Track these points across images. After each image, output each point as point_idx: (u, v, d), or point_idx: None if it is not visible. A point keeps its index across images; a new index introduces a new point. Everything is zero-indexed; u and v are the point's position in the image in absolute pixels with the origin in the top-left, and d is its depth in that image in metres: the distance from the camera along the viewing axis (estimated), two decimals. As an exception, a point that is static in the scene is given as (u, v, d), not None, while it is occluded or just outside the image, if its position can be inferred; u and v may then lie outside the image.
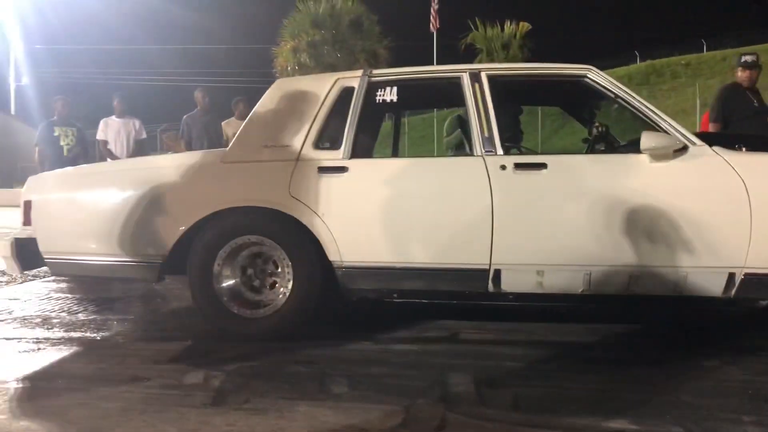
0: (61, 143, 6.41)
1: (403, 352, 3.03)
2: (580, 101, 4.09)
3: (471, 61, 19.38)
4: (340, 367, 2.80)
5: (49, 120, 6.71)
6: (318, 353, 3.02)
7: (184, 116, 7.15)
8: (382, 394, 2.44)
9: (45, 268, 3.60)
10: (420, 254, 3.13)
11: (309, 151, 3.26)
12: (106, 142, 6.91)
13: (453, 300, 3.27)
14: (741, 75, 5.14)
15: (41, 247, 3.44)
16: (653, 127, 3.08)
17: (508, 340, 3.27)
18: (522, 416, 2.24)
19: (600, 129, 3.68)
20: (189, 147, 6.82)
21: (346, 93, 3.35)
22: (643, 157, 3.01)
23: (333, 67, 18.13)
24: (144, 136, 7.21)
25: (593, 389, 2.50)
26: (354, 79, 3.38)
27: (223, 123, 7.08)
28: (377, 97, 3.42)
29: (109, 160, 6.58)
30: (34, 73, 29.79)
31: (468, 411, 2.27)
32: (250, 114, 3.49)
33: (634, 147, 3.14)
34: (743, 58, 5.16)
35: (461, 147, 4.39)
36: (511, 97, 4.00)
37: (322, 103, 3.34)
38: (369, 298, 3.38)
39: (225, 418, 2.22)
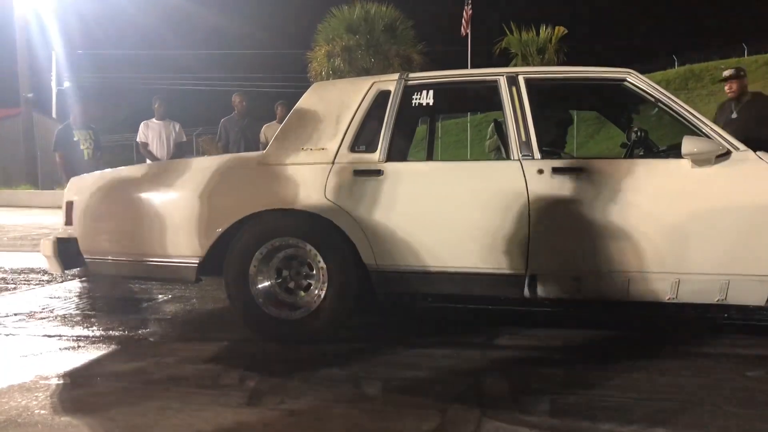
0: (81, 147, 6.43)
1: (438, 357, 3.02)
2: (619, 105, 4.04)
3: (506, 66, 19.30)
4: (375, 370, 2.80)
5: (66, 123, 6.66)
6: (353, 356, 3.03)
7: (222, 120, 7.25)
8: (418, 398, 2.44)
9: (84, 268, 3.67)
10: (455, 258, 3.12)
11: (345, 154, 3.27)
12: (146, 144, 7.03)
13: (488, 305, 3.24)
14: (725, 88, 5.63)
15: (82, 247, 3.51)
16: (694, 131, 3.02)
17: (545, 346, 3.24)
18: (559, 422, 2.21)
19: (639, 133, 3.63)
20: (226, 150, 6.91)
21: (383, 96, 3.36)
22: (684, 162, 2.96)
23: (367, 72, 18.23)
24: (184, 138, 7.32)
25: (632, 397, 2.46)
26: (390, 82, 3.39)
27: (264, 126, 7.16)
28: (413, 101, 3.42)
29: (149, 161, 6.69)
30: (75, 78, 30.51)
31: (504, 416, 2.25)
32: (287, 117, 3.52)
33: (674, 152, 3.09)
34: (723, 73, 5.65)
35: (500, 150, 4.37)
36: (549, 100, 3.96)
37: (359, 106, 3.35)
38: (404, 301, 3.37)
39: (261, 419, 2.23)
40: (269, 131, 6.90)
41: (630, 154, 3.64)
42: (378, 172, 3.20)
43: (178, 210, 3.34)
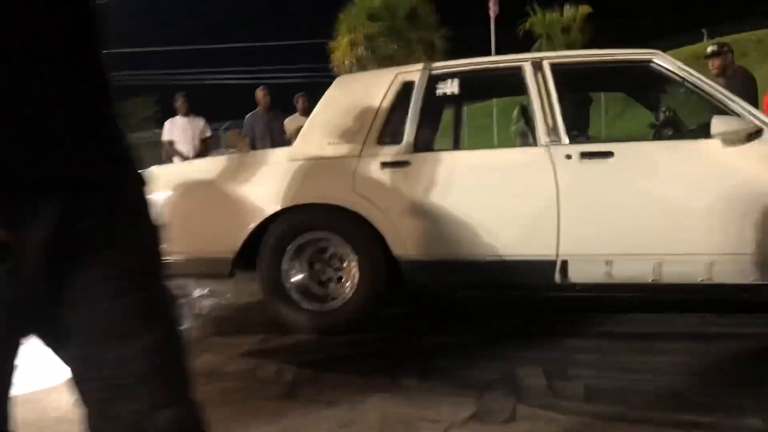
0: None
1: (471, 345, 3.04)
2: (646, 86, 3.99)
3: (530, 47, 19.08)
4: (409, 360, 2.83)
5: None
6: (387, 345, 3.07)
7: (247, 115, 7.29)
8: (453, 386, 2.47)
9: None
10: (485, 247, 3.13)
11: (372, 147, 3.30)
12: (172, 142, 7.08)
13: (520, 292, 3.26)
14: (709, 66, 5.48)
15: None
16: (724, 110, 2.98)
17: (578, 332, 3.24)
18: (593, 408, 2.22)
19: (667, 113, 3.60)
20: (252, 145, 6.96)
21: (407, 87, 3.37)
22: (714, 142, 2.92)
23: (390, 59, 18.17)
24: (209, 134, 7.37)
25: (665, 381, 2.46)
26: (414, 73, 3.40)
27: (286, 120, 7.19)
28: (438, 90, 3.43)
29: (176, 159, 6.77)
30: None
31: (539, 402, 2.27)
32: (313, 112, 3.55)
33: (704, 132, 3.06)
34: (707, 49, 5.61)
35: (526, 136, 4.36)
36: (575, 85, 3.94)
37: (383, 98, 3.36)
38: (434, 290, 3.40)
39: (300, 410, 2.29)
40: (292, 124, 6.92)
41: (658, 135, 3.61)
42: (405, 164, 3.22)
43: (212, 206, 3.41)
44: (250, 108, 7.44)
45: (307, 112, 6.97)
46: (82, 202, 0.86)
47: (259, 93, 7.21)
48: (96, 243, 0.87)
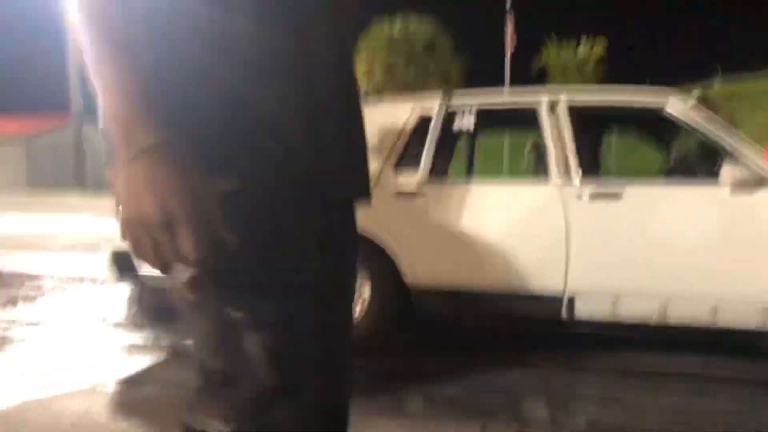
0: None
1: (477, 373, 3.09)
2: (658, 129, 4.08)
3: (544, 81, 19.25)
4: (416, 385, 2.89)
5: None
6: (394, 370, 3.13)
7: None
8: (458, 413, 2.52)
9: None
10: (494, 279, 3.20)
11: (388, 176, 3.39)
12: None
13: (527, 326, 3.31)
14: None
15: (135, 261, 3.68)
16: (734, 158, 3.06)
17: (583, 365, 3.28)
18: (595, 442, 2.27)
19: (679, 156, 3.67)
20: None
21: (424, 121, 3.47)
22: (724, 189, 3.00)
23: (407, 86, 18.38)
24: None
25: (669, 415, 2.51)
26: (431, 108, 3.49)
27: None
28: (454, 124, 3.52)
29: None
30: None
31: (541, 434, 2.32)
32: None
33: (714, 177, 3.13)
34: None
35: (539, 171, 4.43)
36: (588, 124, 4.02)
37: (401, 130, 3.46)
38: (444, 319, 3.45)
39: None
40: None
41: (668, 176, 3.68)
42: (419, 194, 3.31)
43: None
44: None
45: None
46: (352, 215, 1.09)
47: None
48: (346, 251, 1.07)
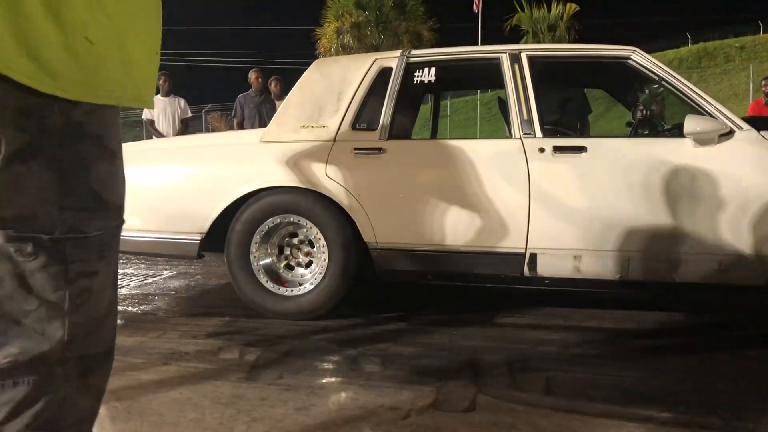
0: None
1: (436, 334, 3.03)
2: (624, 84, 4.00)
3: (516, 43, 19.11)
4: (373, 346, 2.82)
5: None
6: (352, 332, 3.06)
7: (238, 96, 7.21)
8: (414, 375, 2.46)
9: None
10: (455, 237, 3.12)
11: (346, 132, 3.27)
12: (152, 121, 7.03)
13: (488, 284, 3.25)
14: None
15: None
16: (698, 110, 2.99)
17: (544, 324, 3.25)
18: (554, 400, 2.22)
19: (644, 112, 3.60)
20: (241, 127, 6.91)
21: (385, 73, 3.34)
22: (687, 142, 2.93)
23: (376, 48, 18.13)
24: (189, 114, 7.31)
25: (628, 376, 2.47)
26: (392, 59, 3.37)
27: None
28: (415, 78, 3.41)
29: (154, 138, 6.70)
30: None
31: (499, 393, 2.26)
32: (289, 94, 3.51)
33: (678, 131, 3.07)
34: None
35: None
36: (553, 79, 3.93)
37: (360, 83, 3.33)
38: (404, 279, 3.38)
39: (258, 393, 2.26)
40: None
41: (635, 133, 3.62)
42: (379, 150, 3.20)
43: (182, 186, 3.36)
44: (233, 91, 7.37)
45: (278, 96, 6.94)
46: None
47: (252, 75, 7.12)
48: None
